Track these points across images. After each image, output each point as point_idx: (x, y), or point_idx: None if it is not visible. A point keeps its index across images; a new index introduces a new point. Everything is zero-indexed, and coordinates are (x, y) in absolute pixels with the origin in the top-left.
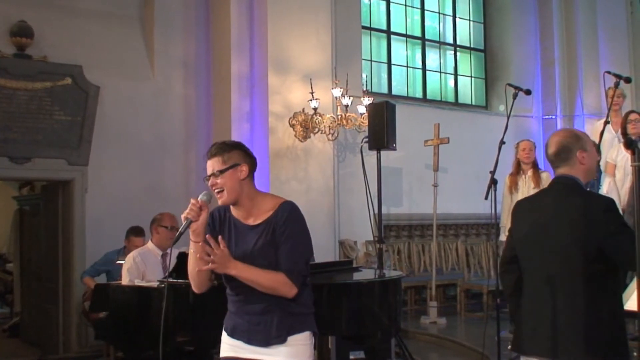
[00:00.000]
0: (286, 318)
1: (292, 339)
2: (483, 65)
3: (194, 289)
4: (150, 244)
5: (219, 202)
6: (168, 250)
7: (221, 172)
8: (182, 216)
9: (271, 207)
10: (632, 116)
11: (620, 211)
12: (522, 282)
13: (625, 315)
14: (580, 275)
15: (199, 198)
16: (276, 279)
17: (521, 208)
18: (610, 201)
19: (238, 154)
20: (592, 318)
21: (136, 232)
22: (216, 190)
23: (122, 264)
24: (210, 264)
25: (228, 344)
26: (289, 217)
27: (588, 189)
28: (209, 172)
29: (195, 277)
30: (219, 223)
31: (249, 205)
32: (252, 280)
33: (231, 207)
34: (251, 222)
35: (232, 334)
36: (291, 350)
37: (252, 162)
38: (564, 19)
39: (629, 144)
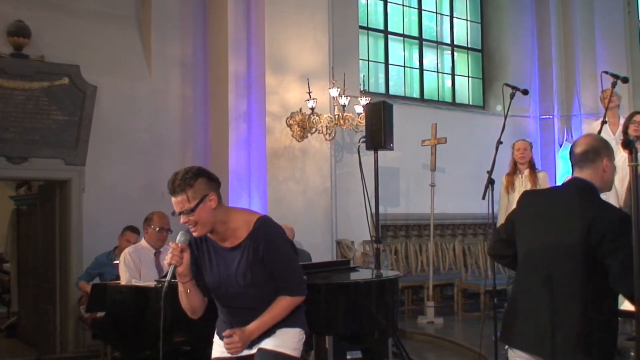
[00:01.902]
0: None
1: (280, 331)
2: (480, 65)
3: (192, 316)
4: (143, 242)
5: (195, 235)
6: (161, 249)
7: (192, 210)
8: (166, 262)
9: (245, 226)
10: (637, 117)
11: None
12: (517, 274)
13: (622, 315)
14: (580, 278)
15: (177, 241)
16: (283, 308)
17: (530, 200)
18: (626, 216)
19: (203, 184)
20: (589, 320)
21: (133, 229)
22: (191, 227)
23: (117, 263)
24: (238, 348)
25: (220, 345)
26: (267, 236)
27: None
28: (178, 209)
29: (190, 309)
30: (197, 247)
31: (223, 229)
32: (272, 323)
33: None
34: (228, 244)
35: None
36: (276, 338)
37: (217, 186)
38: (561, 19)
39: (626, 144)
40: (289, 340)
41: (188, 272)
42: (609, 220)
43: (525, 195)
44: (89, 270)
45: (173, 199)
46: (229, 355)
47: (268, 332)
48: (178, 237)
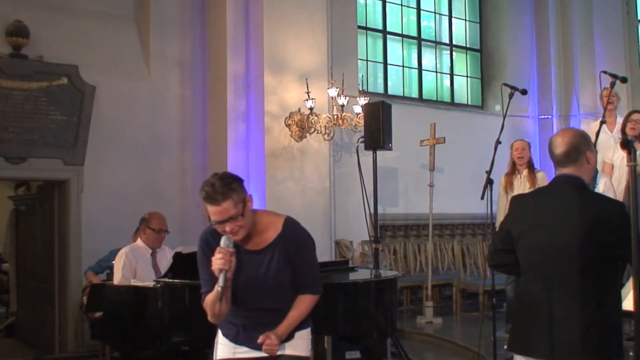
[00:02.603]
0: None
1: (297, 334)
2: (479, 65)
3: (212, 320)
4: (139, 242)
5: (235, 239)
6: (158, 249)
7: (241, 215)
8: (216, 268)
9: (272, 227)
10: (635, 116)
11: None
12: (520, 279)
13: (621, 316)
14: (581, 275)
15: (223, 245)
16: (308, 306)
17: (522, 204)
18: (623, 205)
19: (241, 187)
20: (591, 320)
21: None
22: (234, 231)
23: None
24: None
25: (224, 345)
26: (297, 237)
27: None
28: (223, 217)
29: (219, 315)
30: (214, 249)
31: (252, 230)
32: (297, 323)
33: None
34: (252, 246)
35: (235, 340)
36: (293, 344)
37: (245, 189)
38: (560, 19)
39: (625, 144)
40: (304, 343)
41: (232, 277)
42: (613, 212)
43: (515, 200)
44: (101, 263)
45: (216, 208)
46: (237, 357)
47: (287, 338)
48: (223, 242)
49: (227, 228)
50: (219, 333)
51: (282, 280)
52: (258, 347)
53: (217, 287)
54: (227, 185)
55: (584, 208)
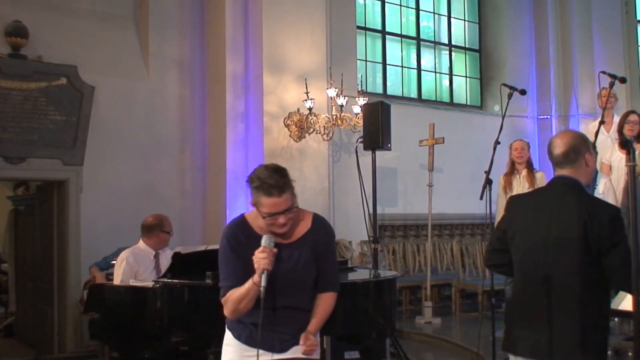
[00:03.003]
0: (307, 318)
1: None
2: (478, 65)
3: (231, 316)
4: (142, 244)
5: (281, 231)
6: (160, 251)
7: (296, 206)
8: (261, 267)
9: (303, 221)
10: (632, 117)
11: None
12: (515, 281)
13: (620, 315)
14: (576, 276)
15: (266, 245)
16: (331, 304)
17: (518, 204)
18: (617, 210)
19: (290, 181)
20: (587, 319)
21: None
22: (284, 224)
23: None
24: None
25: (233, 347)
26: (327, 232)
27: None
28: (280, 208)
29: (244, 310)
30: (245, 244)
31: None
32: (324, 322)
33: (250, 222)
34: (282, 239)
35: (248, 342)
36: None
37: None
38: (559, 19)
39: (624, 144)
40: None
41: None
42: (605, 216)
43: (512, 200)
44: (108, 259)
45: (274, 200)
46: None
47: (295, 339)
48: (264, 241)
49: (282, 220)
50: (228, 335)
51: (308, 275)
52: (271, 349)
53: (261, 287)
54: (285, 177)
55: (577, 210)
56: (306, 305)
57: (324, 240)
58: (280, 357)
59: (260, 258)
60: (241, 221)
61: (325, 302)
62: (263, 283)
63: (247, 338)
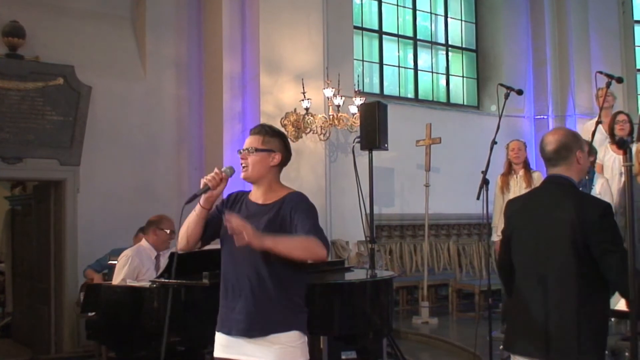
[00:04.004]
0: (272, 312)
1: (276, 337)
2: (475, 65)
3: (181, 245)
4: (145, 243)
5: (241, 175)
6: (162, 252)
7: (256, 150)
8: (203, 181)
9: (281, 192)
10: (620, 117)
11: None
12: (515, 281)
13: (617, 315)
14: (573, 275)
15: (222, 169)
16: (308, 240)
17: (513, 207)
18: (607, 206)
19: (278, 142)
20: (584, 317)
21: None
22: (243, 165)
23: (114, 264)
24: (245, 238)
25: (218, 343)
26: (297, 200)
27: (580, 189)
28: (246, 146)
29: (187, 235)
30: (232, 203)
31: (266, 189)
32: (288, 247)
33: (253, 195)
34: (261, 200)
35: (220, 328)
36: (279, 351)
37: (286, 155)
38: (556, 19)
39: (621, 144)
40: (292, 352)
41: (213, 201)
42: (595, 213)
43: (509, 204)
44: (101, 261)
45: (248, 138)
46: (232, 357)
47: (261, 331)
48: (223, 168)
49: (241, 155)
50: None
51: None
52: (229, 332)
53: (197, 192)
54: (270, 129)
55: (568, 208)
56: (267, 283)
57: (288, 207)
58: (236, 340)
59: (208, 175)
60: (247, 192)
61: (301, 236)
62: (198, 192)
63: (221, 322)
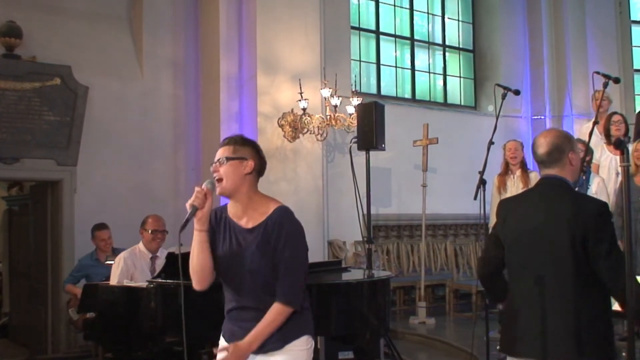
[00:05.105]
0: (284, 325)
1: (289, 346)
2: (472, 66)
3: (196, 285)
4: (140, 245)
5: (217, 191)
6: (158, 254)
7: (227, 159)
8: (188, 204)
9: (265, 209)
10: (615, 118)
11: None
12: (509, 282)
13: (614, 316)
14: (570, 275)
15: (203, 186)
16: (275, 316)
17: (507, 207)
18: (603, 205)
19: (249, 150)
20: (583, 318)
21: (98, 227)
22: (216, 178)
23: (111, 264)
24: None
25: (221, 345)
26: (283, 224)
27: (576, 189)
28: (216, 158)
29: (200, 270)
30: (216, 222)
31: (245, 202)
32: (268, 333)
33: (228, 206)
34: (245, 223)
35: (229, 340)
36: (289, 357)
37: (260, 163)
38: (553, 19)
39: (618, 144)
40: (300, 356)
41: (207, 220)
42: (592, 211)
43: (502, 204)
44: (74, 274)
45: (219, 150)
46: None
47: (275, 344)
48: (204, 183)
49: (212, 168)
50: (221, 336)
51: (258, 266)
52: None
53: (186, 217)
54: (239, 139)
55: (564, 208)
56: (267, 306)
57: (277, 231)
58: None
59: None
60: (223, 207)
61: (269, 314)
62: (187, 216)
63: (229, 336)
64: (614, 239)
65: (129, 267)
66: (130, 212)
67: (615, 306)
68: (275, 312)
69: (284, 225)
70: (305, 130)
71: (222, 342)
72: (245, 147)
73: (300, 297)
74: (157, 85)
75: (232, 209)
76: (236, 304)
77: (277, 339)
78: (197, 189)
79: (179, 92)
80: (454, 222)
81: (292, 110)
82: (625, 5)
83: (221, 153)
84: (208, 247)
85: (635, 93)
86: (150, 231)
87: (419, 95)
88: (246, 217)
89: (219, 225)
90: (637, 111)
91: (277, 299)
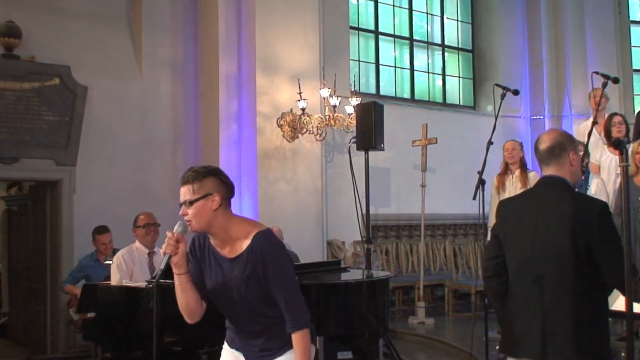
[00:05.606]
0: (282, 335)
1: (289, 353)
2: (471, 66)
3: (188, 320)
4: (136, 243)
5: (190, 229)
6: (155, 249)
7: (191, 202)
8: (162, 251)
9: (244, 238)
10: (616, 119)
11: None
12: (509, 282)
13: (613, 316)
14: (570, 275)
15: (174, 230)
16: (299, 344)
17: (507, 208)
18: (604, 205)
19: (211, 182)
20: (582, 318)
21: (99, 230)
22: (187, 220)
23: (109, 264)
24: None
25: (228, 351)
26: (265, 256)
27: (576, 190)
28: (181, 199)
29: (186, 308)
30: (200, 251)
31: (222, 234)
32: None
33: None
34: (227, 253)
35: (231, 345)
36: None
37: (227, 190)
38: (552, 19)
39: (617, 144)
40: None
41: (184, 264)
42: (593, 212)
43: (502, 205)
44: (73, 274)
45: (181, 189)
46: None
47: (272, 351)
48: (175, 227)
49: (180, 211)
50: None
51: (246, 294)
52: (247, 357)
53: (159, 270)
54: (196, 174)
55: (565, 208)
56: (270, 320)
57: (261, 263)
58: None
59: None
60: (204, 236)
61: (295, 345)
62: (161, 265)
63: (231, 341)
64: (618, 237)
65: (128, 264)
66: (130, 212)
67: (614, 306)
68: (299, 342)
69: (265, 253)
70: (305, 130)
71: (226, 347)
72: (206, 179)
73: (307, 313)
74: (156, 85)
75: (213, 240)
76: (234, 328)
77: (278, 350)
78: (168, 234)
79: (178, 92)
80: (453, 222)
81: (291, 110)
82: (625, 6)
83: (183, 195)
84: (191, 287)
85: (635, 93)
86: (142, 225)
87: (418, 95)
88: (228, 247)
89: (203, 254)
90: (636, 111)
91: (292, 330)
